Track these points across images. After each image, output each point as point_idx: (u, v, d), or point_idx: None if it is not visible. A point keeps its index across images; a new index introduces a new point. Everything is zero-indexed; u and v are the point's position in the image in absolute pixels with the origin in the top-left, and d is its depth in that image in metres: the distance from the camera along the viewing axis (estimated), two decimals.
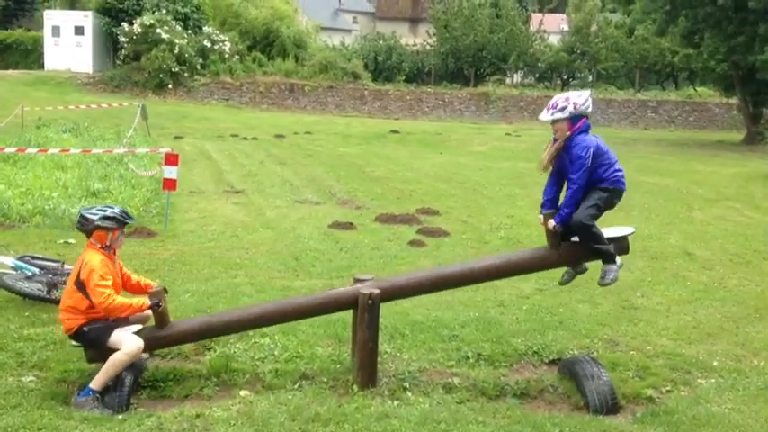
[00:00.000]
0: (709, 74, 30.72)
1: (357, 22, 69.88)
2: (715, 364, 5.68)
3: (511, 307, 6.85)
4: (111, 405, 4.56)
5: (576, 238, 5.05)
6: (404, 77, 39.90)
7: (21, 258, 6.62)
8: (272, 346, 5.63)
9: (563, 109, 4.89)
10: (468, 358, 5.58)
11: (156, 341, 4.94)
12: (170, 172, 9.62)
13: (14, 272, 6.42)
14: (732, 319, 6.78)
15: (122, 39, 32.11)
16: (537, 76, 43.98)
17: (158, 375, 5.03)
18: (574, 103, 4.89)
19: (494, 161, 19.29)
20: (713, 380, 5.40)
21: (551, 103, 4.98)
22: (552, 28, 46.40)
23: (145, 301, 4.79)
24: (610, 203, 5.01)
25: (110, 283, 4.70)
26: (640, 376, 5.36)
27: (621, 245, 5.15)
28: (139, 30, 31.55)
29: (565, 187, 5.08)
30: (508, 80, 43.71)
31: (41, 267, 6.47)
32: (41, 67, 34.13)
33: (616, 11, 38.13)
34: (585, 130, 4.96)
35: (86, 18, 33.65)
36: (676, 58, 34.92)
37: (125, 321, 4.89)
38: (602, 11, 42.35)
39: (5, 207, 9.54)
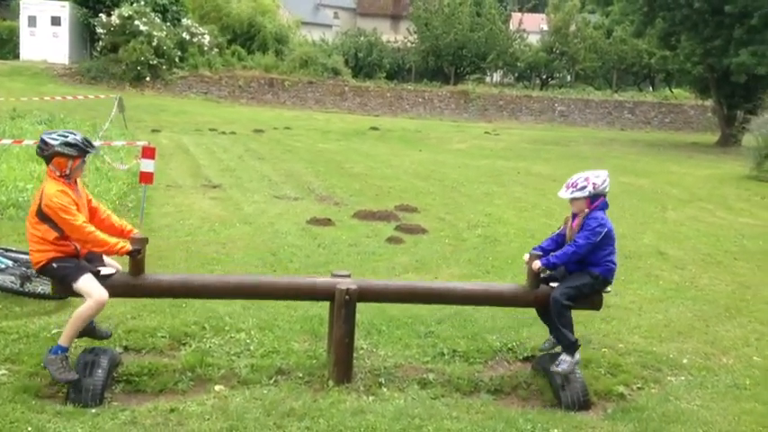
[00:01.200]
0: (685, 76, 31.12)
1: (338, 17, 69.67)
2: (685, 361, 5.79)
3: None
4: (84, 399, 4.51)
5: (555, 284, 5.12)
6: (384, 74, 39.93)
7: None
8: (247, 341, 5.63)
9: (582, 188, 5.05)
10: (444, 355, 5.63)
11: (128, 289, 4.86)
12: (147, 165, 9.53)
13: None
14: (702, 318, 6.91)
15: (100, 30, 31.70)
16: (516, 75, 44.28)
17: (133, 370, 5.01)
18: (593, 184, 5.05)
19: (472, 159, 19.39)
20: (683, 377, 5.50)
21: (571, 181, 5.12)
22: (532, 28, 46.68)
23: (125, 244, 4.67)
24: (590, 291, 5.10)
25: (75, 210, 4.53)
26: (612, 373, 5.45)
27: (595, 300, 5.22)
28: (117, 21, 31.19)
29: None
30: (488, 79, 43.93)
31: (14, 260, 6.39)
32: (17, 57, 33.62)
33: (595, 12, 38.52)
34: (603, 209, 5.13)
35: (63, 8, 33.18)
36: (653, 59, 35.34)
37: (99, 261, 4.80)
38: (581, 11, 42.70)
39: None
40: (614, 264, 5.16)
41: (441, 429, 4.35)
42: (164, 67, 32.28)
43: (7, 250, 6.65)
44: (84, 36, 33.85)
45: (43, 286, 6.20)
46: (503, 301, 5.41)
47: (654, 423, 4.62)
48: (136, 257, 4.76)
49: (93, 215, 4.86)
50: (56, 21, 33.02)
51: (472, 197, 13.27)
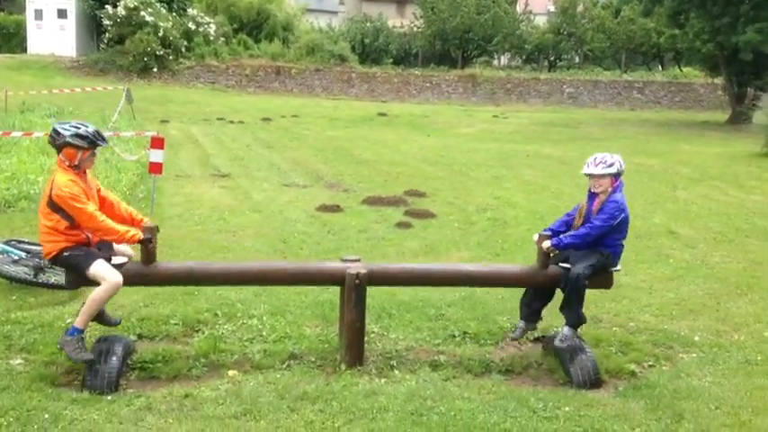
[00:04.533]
0: (694, 54, 30.77)
1: (343, 3, 69.25)
2: (696, 339, 5.79)
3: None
4: (99, 386, 4.56)
5: (566, 264, 5.12)
6: (391, 60, 39.77)
7: (7, 242, 6.61)
8: (260, 326, 5.68)
9: (611, 165, 5.06)
10: (455, 337, 5.66)
11: (140, 277, 4.91)
12: (156, 155, 9.58)
13: (1, 256, 6.42)
14: (714, 296, 6.90)
15: (106, 22, 31.71)
16: (524, 57, 43.92)
17: (147, 357, 5.06)
18: (619, 161, 5.10)
19: (481, 143, 19.34)
20: (694, 355, 5.51)
21: (597, 159, 5.11)
22: (539, 9, 46.25)
23: (137, 232, 4.71)
24: (600, 268, 5.10)
25: (86, 199, 4.58)
26: (623, 352, 5.46)
27: (606, 279, 5.23)
28: (123, 12, 31.19)
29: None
30: (495, 62, 43.65)
31: (28, 251, 6.46)
32: (24, 50, 33.71)
33: None
34: (622, 189, 5.15)
35: (69, 1, 33.21)
36: (662, 38, 34.94)
37: (109, 249, 4.84)
38: None
39: None
40: (622, 246, 5.18)
41: (452, 410, 4.38)
42: (170, 57, 32.29)
43: (20, 242, 6.72)
44: (91, 28, 33.88)
45: (56, 277, 6.26)
46: (513, 281, 5.41)
47: (665, 400, 4.64)
48: (147, 246, 4.79)
49: (102, 204, 4.89)
50: (62, 13, 33.07)
51: (481, 181, 13.26)
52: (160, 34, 31.50)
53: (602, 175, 5.07)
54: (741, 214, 10.89)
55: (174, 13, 33.33)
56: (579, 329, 5.17)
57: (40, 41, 33.12)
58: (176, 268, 5.06)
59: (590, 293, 6.66)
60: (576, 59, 42.46)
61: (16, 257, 6.38)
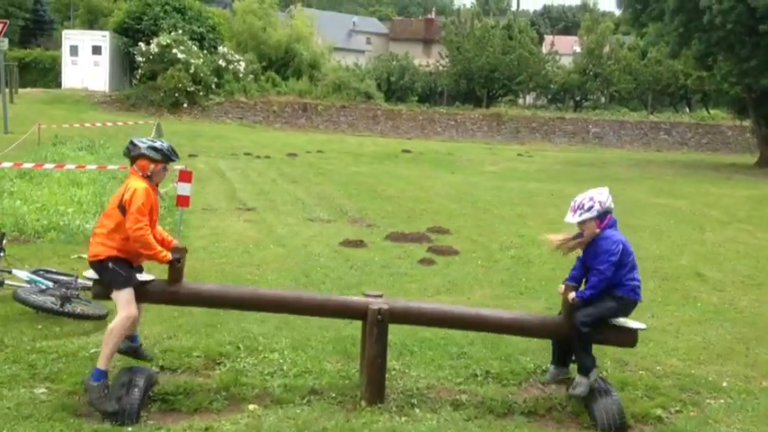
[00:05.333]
0: (722, 96, 30.75)
1: (370, 42, 70.47)
2: (724, 384, 5.65)
3: None
4: (120, 418, 4.57)
5: None
6: (416, 98, 40.18)
7: (35, 272, 6.72)
8: (281, 361, 5.67)
9: (590, 209, 4.95)
10: (477, 376, 5.59)
11: (166, 295, 5.02)
12: (183, 189, 9.71)
13: (28, 285, 6.51)
14: (742, 341, 6.75)
15: (139, 58, 32.55)
16: (549, 97, 44.11)
17: (168, 389, 5.07)
18: (599, 202, 4.96)
19: (505, 181, 19.33)
20: (722, 400, 5.38)
21: (576, 204, 5.02)
22: (564, 50, 46.60)
23: (168, 253, 4.85)
24: (617, 314, 5.01)
25: (146, 218, 4.75)
26: (649, 396, 5.34)
27: (628, 338, 5.11)
28: (156, 49, 31.99)
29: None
30: (520, 101, 43.87)
31: (55, 281, 6.55)
32: (59, 85, 34.62)
33: (629, 33, 38.28)
34: (613, 226, 5.04)
35: (104, 38, 34.17)
36: (689, 80, 34.98)
37: (139, 271, 4.98)
38: (614, 33, 42.51)
39: (21, 222, 9.68)
40: (637, 280, 5.03)
41: None
42: (200, 93, 32.95)
43: (48, 272, 6.83)
44: (124, 64, 34.76)
45: (82, 307, 6.33)
46: (539, 332, 5.32)
47: None
48: (176, 265, 4.91)
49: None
50: (96, 50, 33.99)
51: (505, 219, 13.21)
52: (191, 71, 32.21)
53: (584, 222, 4.98)
54: None
55: (206, 51, 34.11)
56: (594, 375, 5.02)
57: (75, 77, 34.03)
58: (203, 289, 5.17)
59: None
60: (602, 100, 42.52)
61: (43, 287, 6.46)
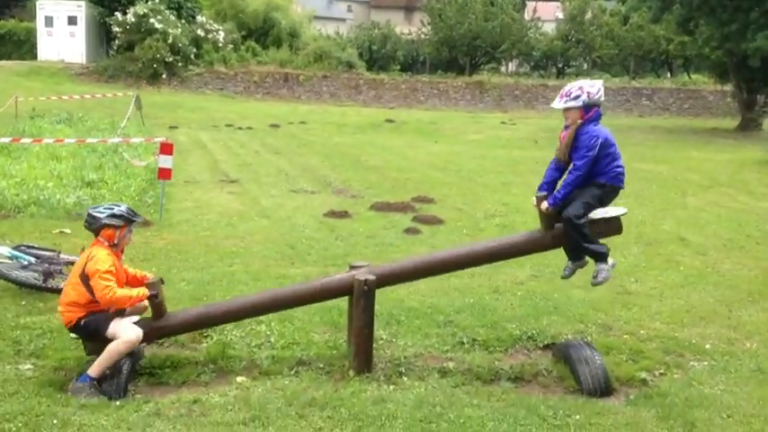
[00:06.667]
0: (703, 61, 30.76)
1: (351, 11, 69.60)
2: (707, 347, 5.74)
3: (506, 293, 6.90)
4: (108, 392, 4.58)
5: None
6: (399, 67, 39.85)
7: (17, 248, 6.64)
8: (268, 333, 5.67)
9: (576, 97, 4.86)
10: (464, 343, 5.62)
11: (153, 332, 4.96)
12: (165, 161, 9.61)
13: (10, 261, 6.44)
14: (725, 303, 6.84)
15: (116, 28, 31.91)
16: (532, 64, 43.94)
17: (155, 362, 5.06)
18: (587, 92, 4.87)
19: (489, 149, 19.31)
20: (706, 363, 5.46)
21: (564, 90, 4.94)
22: (547, 16, 46.26)
23: (144, 290, 4.79)
24: (603, 201, 4.99)
25: (113, 277, 4.68)
26: (634, 360, 5.41)
27: (613, 225, 5.08)
28: (133, 19, 31.37)
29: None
30: (503, 69, 43.66)
31: (37, 257, 6.49)
32: (34, 57, 33.93)
33: None
34: (597, 119, 4.94)
35: (79, 8, 33.40)
36: (671, 45, 34.92)
37: (122, 312, 4.90)
38: None
39: (1, 197, 9.54)
40: (621, 167, 4.96)
41: (461, 417, 4.35)
42: (179, 64, 32.42)
43: (29, 247, 6.75)
44: (101, 35, 34.09)
45: (66, 282, 6.27)
46: (521, 250, 5.32)
47: (677, 408, 4.59)
48: (154, 301, 4.84)
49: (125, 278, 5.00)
50: (72, 20, 33.26)
51: (489, 187, 13.23)
52: (169, 41, 31.65)
53: (568, 109, 4.90)
54: (751, 221, 10.82)
55: (184, 21, 33.50)
56: (611, 261, 4.97)
57: (51, 48, 33.34)
58: (187, 317, 5.07)
59: (600, 299, 6.66)
60: (585, 66, 42.43)
61: (26, 263, 6.40)
